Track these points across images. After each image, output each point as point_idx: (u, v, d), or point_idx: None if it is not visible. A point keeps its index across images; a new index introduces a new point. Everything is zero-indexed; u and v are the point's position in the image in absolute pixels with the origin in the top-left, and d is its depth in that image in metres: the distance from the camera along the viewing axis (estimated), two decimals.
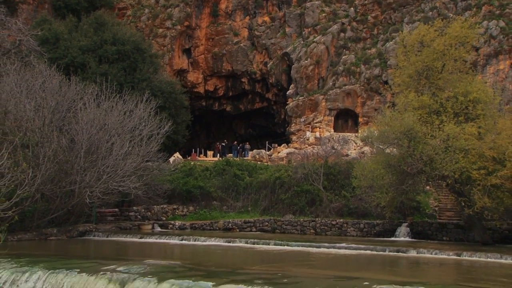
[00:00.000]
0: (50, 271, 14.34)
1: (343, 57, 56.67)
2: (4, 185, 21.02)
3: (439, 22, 31.56)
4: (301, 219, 33.94)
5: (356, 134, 51.57)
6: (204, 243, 25.87)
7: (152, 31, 59.20)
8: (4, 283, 14.32)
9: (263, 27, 61.16)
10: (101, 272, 13.91)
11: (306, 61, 56.16)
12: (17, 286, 14.22)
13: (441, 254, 22.34)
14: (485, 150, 26.55)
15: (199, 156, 53.88)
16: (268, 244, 24.97)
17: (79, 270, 14.23)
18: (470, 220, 28.86)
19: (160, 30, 59.46)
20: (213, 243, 25.81)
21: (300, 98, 55.50)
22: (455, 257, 21.91)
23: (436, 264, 20.06)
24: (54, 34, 42.96)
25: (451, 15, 50.37)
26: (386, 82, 52.83)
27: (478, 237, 28.32)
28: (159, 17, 59.94)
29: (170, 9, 59.96)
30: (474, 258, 21.50)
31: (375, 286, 12.15)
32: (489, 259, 21.22)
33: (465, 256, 21.86)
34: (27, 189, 22.99)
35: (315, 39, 57.54)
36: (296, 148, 51.01)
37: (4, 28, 37.47)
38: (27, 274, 14.44)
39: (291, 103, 55.90)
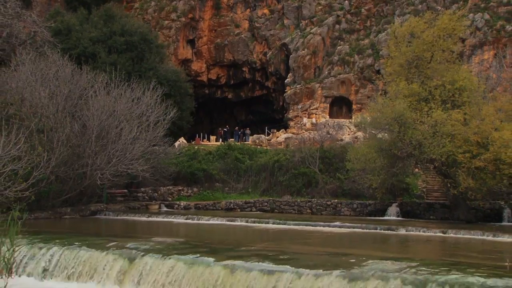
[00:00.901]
0: (65, 247, 14.51)
1: (338, 47, 56.49)
2: (21, 167, 21.16)
3: (428, 15, 31.42)
4: (298, 200, 34.02)
5: (350, 120, 51.54)
6: (207, 222, 25.93)
7: (158, 23, 58.95)
8: (23, 258, 14.49)
9: (263, 19, 60.92)
10: (112, 249, 14.07)
11: (303, 51, 56.00)
12: (35, 260, 14.39)
13: (428, 232, 22.42)
14: (470, 135, 26.62)
15: (202, 141, 53.86)
16: (267, 223, 25.00)
17: (91, 246, 14.39)
18: (455, 200, 29.00)
19: (166, 22, 59.23)
20: (216, 222, 25.85)
21: (297, 86, 55.43)
22: (441, 234, 21.97)
23: (423, 241, 20.21)
24: (66, 26, 42.85)
25: (440, 8, 50.31)
26: (378, 71, 52.71)
27: (463, 216, 28.44)
28: (164, 10, 59.66)
29: (175, 2, 59.67)
30: (458, 236, 21.56)
31: (366, 261, 12.30)
32: (472, 236, 21.31)
33: (450, 234, 21.90)
34: (43, 171, 23.15)
35: (311, 31, 57.32)
36: (293, 133, 51.01)
37: (20, 20, 37.30)
38: (43, 250, 14.62)
39: (289, 91, 55.83)
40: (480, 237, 21.17)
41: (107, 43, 42.61)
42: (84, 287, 12.94)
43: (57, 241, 15.33)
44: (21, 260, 14.42)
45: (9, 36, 36.14)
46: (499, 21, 51.11)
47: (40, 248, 14.71)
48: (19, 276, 14.03)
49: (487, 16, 51.42)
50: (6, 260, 13.76)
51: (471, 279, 10.30)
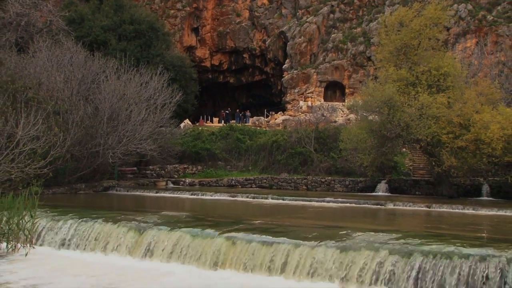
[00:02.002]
0: (80, 220, 14.56)
1: (332, 35, 56.24)
2: (40, 146, 21.17)
3: (416, 5, 31.26)
4: (295, 177, 34.13)
5: (343, 103, 51.54)
6: (211, 197, 25.94)
7: (164, 12, 58.55)
8: (42, 229, 14.61)
9: (262, 8, 60.51)
10: (123, 221, 14.14)
11: (300, 39, 55.75)
12: (53, 232, 14.51)
13: (414, 206, 22.53)
14: (453, 117, 26.68)
15: (206, 122, 53.84)
16: (266, 199, 24.99)
17: (104, 219, 14.42)
18: (439, 177, 29.15)
19: (172, 11, 58.83)
20: (219, 197, 25.89)
21: (294, 71, 55.28)
22: (425, 208, 22.09)
23: (409, 215, 20.30)
24: (80, 15, 42.53)
25: None
26: (369, 58, 52.57)
27: (446, 191, 28.60)
28: (170, 0, 59.21)
29: None
30: (441, 210, 21.69)
31: (357, 233, 12.39)
32: (453, 210, 21.44)
33: (434, 208, 22.03)
34: (59, 150, 23.12)
35: (308, 20, 57.00)
36: (290, 115, 51.00)
37: (37, 10, 37.04)
38: (61, 222, 14.68)
39: (286, 76, 55.69)
40: (461, 211, 21.30)
41: (117, 31, 42.31)
42: (98, 257, 13.01)
43: (73, 214, 15.37)
44: (40, 232, 14.52)
45: (27, 25, 35.92)
46: (481, 11, 51.04)
47: (58, 221, 14.76)
48: (40, 245, 14.15)
49: (470, 7, 51.39)
50: (27, 231, 13.92)
51: (452, 248, 10.40)
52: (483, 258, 9.75)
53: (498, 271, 9.43)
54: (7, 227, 13.70)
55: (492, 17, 50.23)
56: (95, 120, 28.54)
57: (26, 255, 13.20)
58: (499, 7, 51.18)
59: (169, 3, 59.10)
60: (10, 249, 13.61)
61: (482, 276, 9.45)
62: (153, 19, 46.67)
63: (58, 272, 11.70)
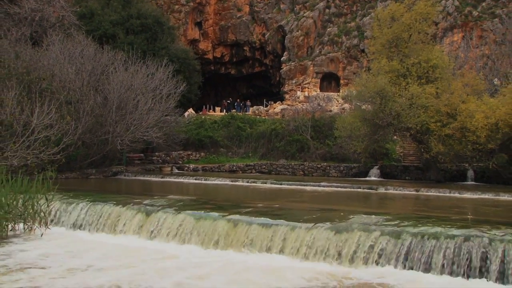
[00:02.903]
0: (91, 203, 14.66)
1: (328, 29, 55.97)
2: (53, 134, 21.32)
3: (407, 1, 31.13)
4: (292, 163, 34.20)
5: (338, 93, 51.47)
6: (213, 182, 25.98)
7: (169, 7, 58.23)
8: (56, 211, 14.71)
9: (262, 4, 60.13)
10: (131, 204, 14.22)
11: (297, 33, 55.51)
12: (67, 214, 14.61)
13: (404, 190, 22.56)
14: (441, 106, 26.68)
15: (208, 111, 53.76)
16: (265, 183, 25.02)
17: (113, 202, 14.51)
18: (427, 163, 29.23)
19: (176, 6, 58.51)
20: (221, 182, 25.88)
21: (292, 63, 55.10)
22: (414, 192, 22.13)
23: (399, 198, 20.33)
24: (90, 10, 42.39)
25: None
26: (363, 51, 52.34)
27: (433, 176, 28.68)
28: None
29: None
30: (429, 193, 21.73)
31: (351, 216, 12.48)
32: (440, 194, 21.48)
33: (422, 192, 22.06)
34: (71, 137, 23.22)
35: (305, 14, 56.71)
36: (288, 105, 50.91)
37: (50, 5, 37.33)
38: (73, 205, 14.78)
39: (284, 68, 55.51)
40: (447, 194, 21.34)
41: (125, 25, 42.22)
42: (108, 237, 13.12)
43: (85, 197, 15.48)
44: (55, 213, 14.63)
45: (41, 20, 36.21)
46: (467, 7, 51.16)
47: (71, 204, 14.85)
48: (54, 226, 14.26)
49: (456, 3, 51.53)
50: (42, 213, 14.03)
51: (438, 229, 10.50)
52: (467, 238, 9.87)
53: (481, 250, 9.55)
54: (24, 209, 13.81)
55: (477, 13, 50.30)
56: (104, 109, 28.57)
57: (41, 235, 13.33)
58: (483, 3, 51.16)
59: None
60: (27, 230, 13.74)
61: (466, 255, 9.58)
62: (158, 13, 46.54)
63: (70, 250, 11.85)
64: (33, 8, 35.71)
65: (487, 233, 10.10)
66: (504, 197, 20.41)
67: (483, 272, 9.31)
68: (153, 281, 9.32)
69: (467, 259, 9.52)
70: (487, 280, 9.18)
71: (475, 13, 50.31)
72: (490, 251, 9.47)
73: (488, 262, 9.35)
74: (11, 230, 13.60)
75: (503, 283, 9.06)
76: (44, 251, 11.70)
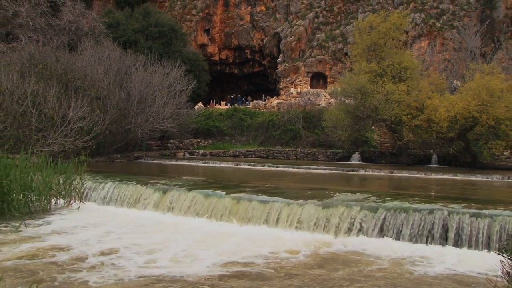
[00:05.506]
0: (117, 182, 14.77)
1: (317, 35, 55.75)
2: (85, 124, 21.48)
3: (383, 13, 31.17)
4: (287, 149, 34.21)
5: (325, 90, 51.36)
6: (219, 165, 26.05)
7: (182, 17, 57.94)
8: (89, 189, 14.88)
9: (261, 14, 59.82)
10: (150, 184, 14.34)
11: (291, 38, 55.32)
12: (97, 191, 14.77)
13: (380, 172, 22.68)
14: (411, 101, 26.78)
15: (215, 105, 53.67)
16: (264, 166, 25.07)
17: (135, 182, 14.61)
18: (400, 149, 29.36)
19: (188, 16, 58.23)
20: (225, 165, 25.97)
21: (286, 64, 54.96)
22: (389, 174, 22.25)
23: (376, 179, 20.41)
24: (116, 20, 42.30)
25: (391, 8, 50.33)
26: (346, 54, 52.13)
27: (405, 160, 28.83)
28: (187, 7, 58.52)
29: (195, 1, 58.60)
30: (401, 175, 21.87)
31: (335, 193, 12.62)
32: (410, 175, 21.62)
33: (395, 173, 22.19)
34: (100, 127, 23.35)
35: (297, 23, 56.45)
36: (283, 99, 50.81)
37: (84, 17, 38.42)
38: (102, 184, 14.92)
39: (280, 68, 55.38)
40: (416, 175, 21.49)
41: (145, 33, 42.11)
42: (131, 211, 13.25)
43: (111, 178, 15.61)
44: (87, 191, 14.80)
45: (76, 29, 37.18)
46: (431, 19, 52.57)
47: (100, 183, 14.98)
48: (88, 201, 14.43)
49: (423, 15, 52.81)
50: (77, 190, 14.21)
51: (408, 205, 10.65)
52: (431, 212, 10.04)
53: (442, 221, 9.74)
54: (63, 187, 13.99)
55: (439, 24, 51.99)
56: (127, 104, 28.60)
57: (78, 208, 13.51)
58: (444, 17, 52.71)
59: (186, 9, 58.60)
60: (66, 204, 13.92)
61: (430, 224, 9.77)
62: (173, 22, 46.38)
63: (102, 219, 12.13)
64: (71, 20, 36.93)
65: (447, 207, 10.28)
66: (461, 177, 20.73)
67: (443, 239, 9.51)
68: (170, 244, 9.50)
69: (430, 228, 9.70)
70: (447, 245, 9.41)
71: (438, 24, 51.77)
72: (449, 221, 9.66)
73: (448, 230, 9.54)
74: (54, 204, 13.83)
75: (457, 246, 9.34)
76: (82, 219, 12.03)
